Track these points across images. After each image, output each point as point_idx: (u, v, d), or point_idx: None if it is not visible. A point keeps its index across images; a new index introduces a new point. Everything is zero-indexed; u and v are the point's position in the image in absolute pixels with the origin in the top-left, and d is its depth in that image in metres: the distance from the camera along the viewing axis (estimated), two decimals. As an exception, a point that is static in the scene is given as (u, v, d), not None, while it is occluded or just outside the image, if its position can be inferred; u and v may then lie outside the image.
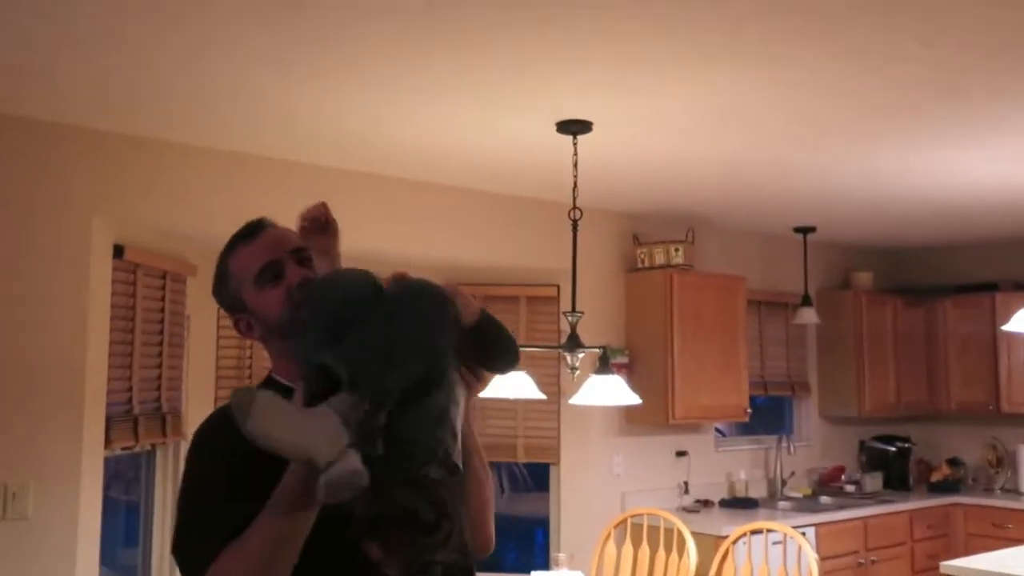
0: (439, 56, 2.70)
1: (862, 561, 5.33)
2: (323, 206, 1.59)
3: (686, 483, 5.38)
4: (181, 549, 1.42)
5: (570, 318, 3.60)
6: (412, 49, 2.64)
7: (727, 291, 5.30)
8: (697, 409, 5.10)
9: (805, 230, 5.75)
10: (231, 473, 1.39)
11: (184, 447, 3.80)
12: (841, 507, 5.46)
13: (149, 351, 3.64)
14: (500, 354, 1.50)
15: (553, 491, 4.94)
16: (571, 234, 3.64)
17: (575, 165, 3.59)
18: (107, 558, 3.46)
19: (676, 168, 4.14)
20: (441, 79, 2.91)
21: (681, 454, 5.39)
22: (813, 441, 6.25)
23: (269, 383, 1.56)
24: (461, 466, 1.38)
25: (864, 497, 5.81)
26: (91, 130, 3.41)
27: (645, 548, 4.14)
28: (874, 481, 6.10)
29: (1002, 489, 6.09)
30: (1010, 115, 3.32)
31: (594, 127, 3.40)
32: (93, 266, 3.36)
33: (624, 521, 4.32)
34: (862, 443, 6.39)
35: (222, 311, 1.61)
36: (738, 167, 4.12)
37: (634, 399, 3.64)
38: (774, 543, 4.06)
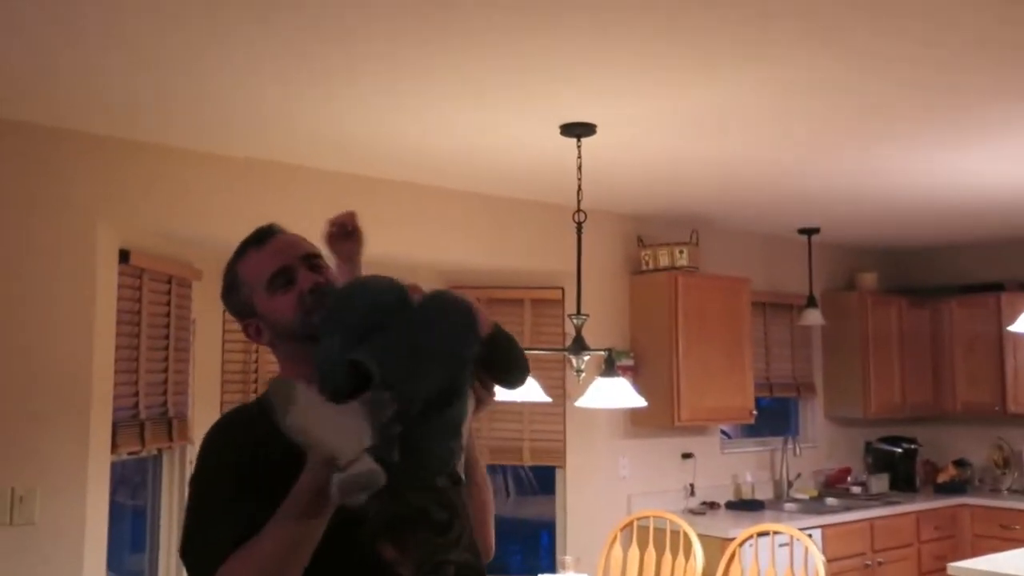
0: (442, 60, 2.70)
1: (869, 563, 5.32)
2: (352, 215, 1.63)
3: (692, 485, 5.37)
4: (189, 552, 1.42)
5: (575, 321, 3.60)
6: (415, 53, 2.64)
7: (732, 293, 5.30)
8: (703, 411, 5.09)
9: (809, 231, 5.74)
10: (239, 476, 1.40)
11: (190, 451, 3.81)
12: (847, 508, 5.45)
13: (155, 356, 3.65)
14: (511, 368, 1.50)
15: (559, 494, 4.94)
16: (575, 236, 3.64)
17: (579, 168, 3.59)
18: (114, 563, 3.46)
19: (680, 170, 4.14)
20: (444, 83, 2.91)
21: (687, 456, 5.39)
22: (819, 443, 6.24)
23: None
24: (464, 477, 1.39)
25: (870, 498, 5.80)
26: (95, 135, 3.42)
27: (651, 551, 4.14)
28: (880, 482, 6.08)
29: (1009, 490, 6.08)
30: (1014, 115, 3.32)
31: (598, 129, 3.40)
32: (99, 271, 3.37)
33: (630, 523, 4.31)
34: (868, 444, 6.38)
35: (228, 315, 1.61)
36: (742, 168, 4.12)
37: (640, 401, 3.64)
38: (781, 545, 4.05)
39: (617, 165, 4.01)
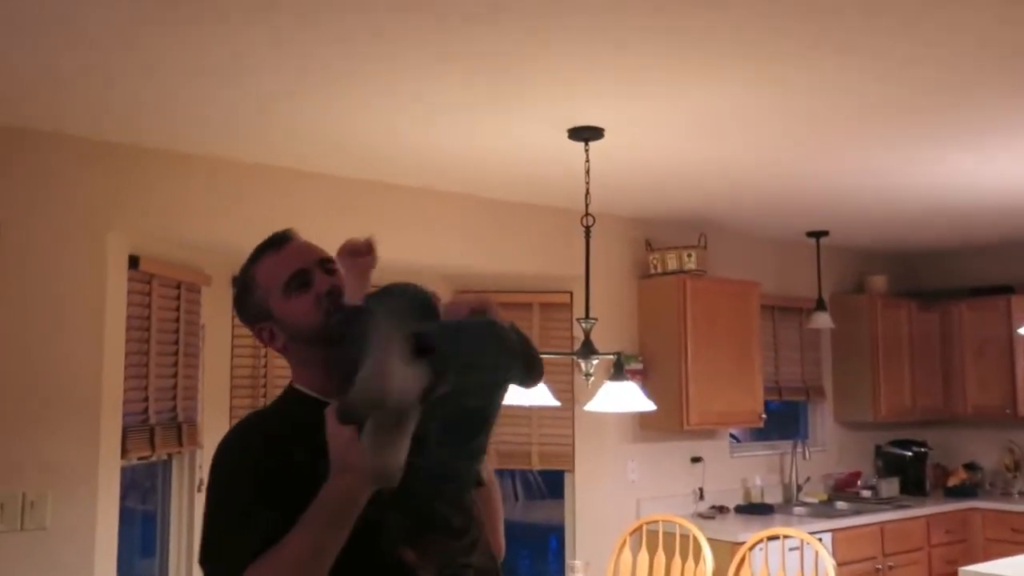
0: (449, 64, 2.71)
1: (880, 567, 5.30)
2: (372, 240, 1.65)
3: (701, 489, 5.36)
4: (209, 560, 1.42)
5: (584, 325, 3.60)
6: (422, 58, 2.65)
7: (740, 296, 5.29)
8: (712, 415, 5.08)
9: (818, 234, 5.73)
10: (257, 481, 1.40)
11: (200, 456, 3.82)
12: (858, 512, 5.43)
13: (164, 361, 3.66)
14: (527, 367, 1.52)
15: (568, 498, 4.93)
16: (584, 240, 3.64)
17: (587, 171, 3.59)
18: (124, 568, 3.47)
19: (688, 173, 4.13)
20: (452, 87, 2.92)
21: (696, 460, 5.38)
22: (828, 446, 6.23)
23: (291, 393, 1.57)
24: (484, 478, 1.44)
25: (881, 502, 5.78)
26: (104, 142, 3.44)
27: (661, 555, 4.13)
28: (890, 486, 6.06)
29: (1020, 493, 6.05)
30: (1024, 117, 3.31)
31: (606, 133, 3.40)
32: (108, 277, 3.38)
33: (640, 528, 4.30)
34: (878, 448, 6.35)
35: (237, 321, 1.62)
36: (750, 172, 4.12)
37: (649, 405, 3.64)
38: (791, 549, 4.04)
39: (625, 169, 4.01)
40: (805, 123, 3.38)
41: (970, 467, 6.30)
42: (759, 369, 5.33)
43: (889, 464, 6.27)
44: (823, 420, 6.27)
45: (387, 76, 2.81)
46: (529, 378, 1.52)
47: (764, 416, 5.35)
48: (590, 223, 3.60)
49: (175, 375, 3.71)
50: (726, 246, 5.57)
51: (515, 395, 3.42)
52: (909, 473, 6.20)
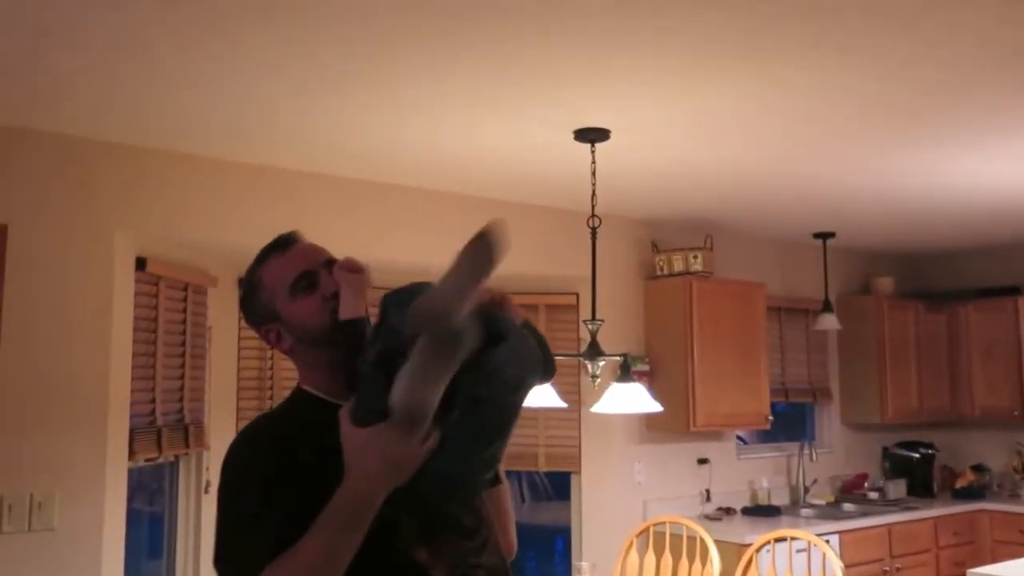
0: (455, 66, 2.71)
1: (887, 569, 5.29)
2: (366, 266, 1.60)
3: (708, 491, 5.35)
4: (225, 562, 1.42)
5: (590, 326, 3.60)
6: (428, 59, 2.65)
7: (747, 297, 5.28)
8: (718, 416, 5.07)
9: (824, 235, 5.72)
10: (268, 483, 1.40)
11: (207, 458, 3.82)
12: (865, 514, 5.41)
13: (171, 363, 3.67)
14: (544, 369, 1.52)
15: (574, 500, 4.92)
16: (590, 242, 3.64)
17: (593, 173, 3.59)
18: (131, 569, 3.48)
19: (694, 174, 4.13)
20: (457, 89, 2.92)
21: (703, 462, 5.37)
22: (835, 448, 6.21)
23: (299, 394, 1.58)
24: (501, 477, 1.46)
25: (888, 504, 5.76)
26: (111, 143, 3.45)
27: (668, 557, 4.12)
28: (898, 488, 6.05)
29: (1028, 495, 6.03)
30: (1031, 117, 3.30)
31: (612, 135, 3.40)
32: (116, 279, 3.39)
33: (646, 529, 4.30)
34: (885, 450, 6.34)
35: (243, 323, 1.62)
36: (756, 172, 4.11)
37: (656, 407, 3.63)
38: (798, 551, 4.03)
39: (631, 170, 4.01)
40: (810, 124, 3.37)
41: (978, 469, 6.28)
42: (765, 370, 5.32)
43: (896, 466, 6.25)
44: (830, 422, 6.26)
45: (391, 78, 2.81)
46: (544, 378, 1.52)
47: (771, 418, 5.34)
48: (596, 224, 3.60)
49: (182, 376, 3.72)
50: (732, 247, 5.57)
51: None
52: (916, 475, 6.18)
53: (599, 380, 3.63)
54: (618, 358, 3.66)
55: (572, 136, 3.42)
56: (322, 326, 1.51)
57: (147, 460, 3.54)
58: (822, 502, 5.72)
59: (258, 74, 2.76)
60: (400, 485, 1.36)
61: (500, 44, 2.54)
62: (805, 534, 4.05)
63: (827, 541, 4.12)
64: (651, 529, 4.29)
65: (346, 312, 1.50)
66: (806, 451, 5.80)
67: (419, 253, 4.26)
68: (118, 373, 3.37)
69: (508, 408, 1.41)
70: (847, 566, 4.66)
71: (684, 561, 4.06)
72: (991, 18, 2.42)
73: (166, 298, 3.64)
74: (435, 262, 5.10)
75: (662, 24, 2.42)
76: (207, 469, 3.81)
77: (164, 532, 3.81)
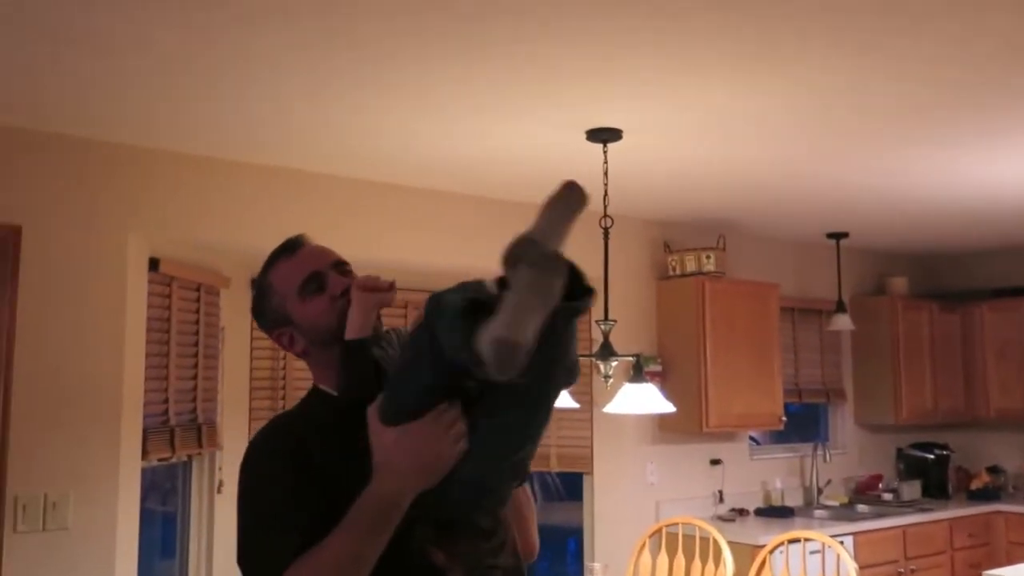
0: (467, 68, 2.71)
1: (902, 570, 5.26)
2: (389, 284, 1.56)
3: (721, 492, 5.34)
4: (248, 562, 1.41)
5: (603, 327, 3.59)
6: (440, 62, 2.65)
7: (760, 298, 5.26)
8: (731, 417, 5.06)
9: (838, 236, 5.69)
10: (285, 483, 1.40)
11: (219, 457, 3.83)
12: (879, 515, 5.39)
13: (184, 363, 3.68)
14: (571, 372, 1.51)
15: (587, 500, 4.92)
16: (602, 242, 3.63)
17: (605, 173, 3.58)
18: (144, 569, 3.49)
19: (706, 175, 4.12)
20: (470, 90, 2.92)
21: (715, 462, 5.35)
22: (849, 449, 6.18)
23: (314, 394, 1.58)
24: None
25: (902, 505, 5.73)
26: (124, 145, 3.46)
27: (680, 558, 4.11)
28: (912, 489, 6.01)
29: (1044, 497, 5.99)
30: (1047, 116, 3.28)
31: (624, 135, 3.40)
32: (129, 280, 3.40)
33: (659, 530, 4.29)
34: (899, 451, 6.30)
35: (257, 325, 1.62)
36: (768, 172, 4.10)
37: (669, 407, 3.62)
38: (812, 552, 4.01)
39: (643, 170, 4.00)
40: (824, 124, 3.35)
41: (993, 470, 6.24)
42: (779, 371, 5.30)
43: (911, 467, 6.22)
44: (843, 422, 6.23)
45: (404, 80, 2.81)
46: (569, 381, 1.51)
47: (784, 418, 5.32)
48: (609, 225, 3.59)
49: (195, 377, 3.73)
50: (745, 248, 5.55)
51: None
52: (931, 476, 6.15)
53: (611, 380, 3.62)
54: (630, 358, 3.66)
55: (584, 136, 3.41)
56: (331, 326, 1.51)
57: (160, 460, 3.55)
58: (836, 503, 5.69)
59: (272, 76, 2.77)
60: (430, 487, 1.34)
61: (512, 45, 2.54)
62: (819, 535, 4.03)
63: (841, 542, 4.10)
64: (664, 530, 4.28)
65: (349, 332, 1.50)
66: (820, 452, 5.78)
67: (432, 254, 4.27)
68: (131, 373, 3.38)
69: (541, 410, 1.39)
70: (861, 567, 4.64)
71: (697, 562, 4.05)
72: (1012, 17, 2.40)
73: (179, 299, 3.66)
74: (448, 263, 5.09)
75: (675, 25, 2.41)
76: (220, 469, 3.82)
77: (177, 532, 3.83)
